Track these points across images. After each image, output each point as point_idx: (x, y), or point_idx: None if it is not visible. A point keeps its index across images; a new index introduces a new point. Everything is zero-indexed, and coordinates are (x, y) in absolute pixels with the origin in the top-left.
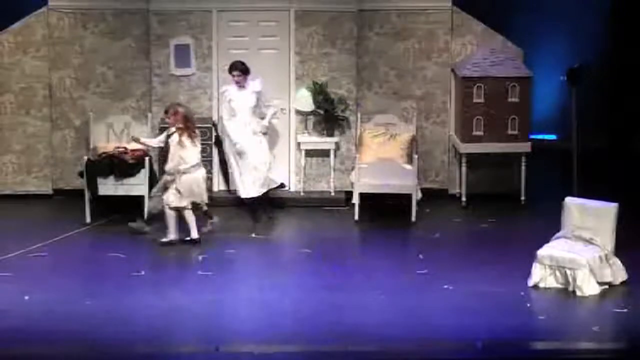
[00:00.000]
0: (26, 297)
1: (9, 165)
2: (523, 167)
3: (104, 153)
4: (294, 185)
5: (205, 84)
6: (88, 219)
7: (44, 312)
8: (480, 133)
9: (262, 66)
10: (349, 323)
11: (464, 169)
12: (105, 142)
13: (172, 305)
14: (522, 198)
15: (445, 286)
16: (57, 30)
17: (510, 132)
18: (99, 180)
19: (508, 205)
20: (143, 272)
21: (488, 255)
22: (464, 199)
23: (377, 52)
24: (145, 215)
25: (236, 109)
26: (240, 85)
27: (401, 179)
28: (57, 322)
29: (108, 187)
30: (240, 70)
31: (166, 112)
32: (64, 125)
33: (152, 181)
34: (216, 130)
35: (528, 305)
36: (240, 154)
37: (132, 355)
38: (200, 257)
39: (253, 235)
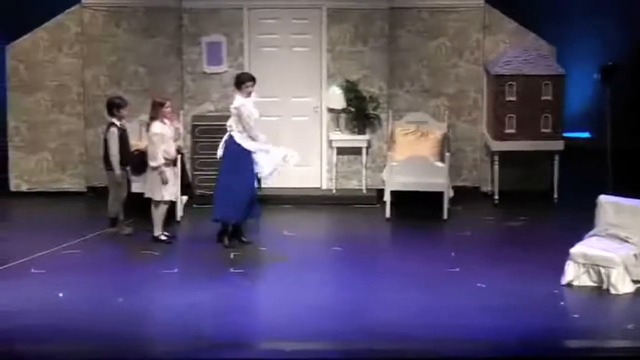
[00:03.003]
0: (60, 295)
1: (44, 163)
2: (556, 165)
3: (136, 151)
4: (326, 183)
5: None
6: (121, 217)
7: (77, 310)
8: (513, 131)
9: (294, 64)
10: (379, 321)
11: (496, 166)
12: (138, 139)
13: (205, 302)
14: (555, 196)
15: (478, 284)
16: (90, 27)
17: (543, 130)
18: (131, 178)
19: (540, 204)
20: (176, 270)
21: (520, 254)
22: (496, 197)
23: (408, 50)
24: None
25: (253, 123)
26: (248, 96)
27: (433, 177)
28: (89, 320)
29: (140, 184)
30: (254, 80)
31: (164, 104)
32: (97, 123)
33: (184, 179)
34: None
35: (561, 303)
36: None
37: (165, 353)
38: (232, 255)
39: (285, 232)
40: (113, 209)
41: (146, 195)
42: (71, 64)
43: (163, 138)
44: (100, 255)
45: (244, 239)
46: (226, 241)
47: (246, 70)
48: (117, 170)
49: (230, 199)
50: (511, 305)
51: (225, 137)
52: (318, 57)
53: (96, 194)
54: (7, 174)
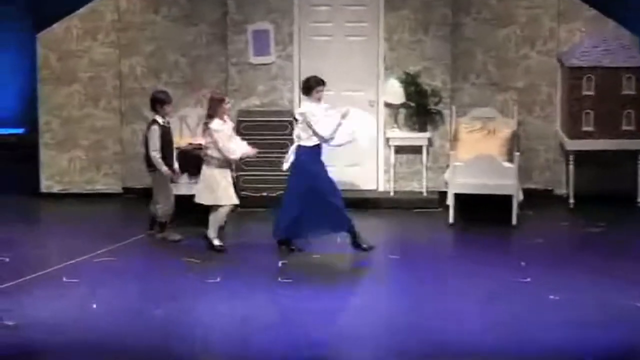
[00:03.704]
0: (94, 306)
1: (77, 162)
2: (639, 166)
3: (176, 149)
4: (383, 185)
5: (285, 73)
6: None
7: (112, 323)
8: (590, 128)
9: (348, 55)
10: (443, 336)
11: (571, 167)
12: (178, 137)
13: (250, 314)
14: (638, 200)
15: (551, 296)
16: (127, 14)
17: (624, 127)
18: (175, 179)
19: (621, 208)
20: (219, 279)
21: (598, 263)
22: (571, 200)
23: (474, 40)
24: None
25: None
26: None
27: (501, 178)
28: (124, 333)
29: (181, 186)
30: (324, 84)
31: (223, 100)
32: (134, 118)
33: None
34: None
35: None
36: None
37: None
38: (280, 263)
39: (338, 239)
40: (161, 213)
41: (201, 201)
42: (106, 54)
43: (224, 136)
44: (137, 262)
45: (364, 246)
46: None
47: (295, 61)
48: (163, 168)
49: (329, 210)
50: (588, 320)
51: (293, 148)
52: (375, 47)
53: (134, 196)
54: (37, 173)
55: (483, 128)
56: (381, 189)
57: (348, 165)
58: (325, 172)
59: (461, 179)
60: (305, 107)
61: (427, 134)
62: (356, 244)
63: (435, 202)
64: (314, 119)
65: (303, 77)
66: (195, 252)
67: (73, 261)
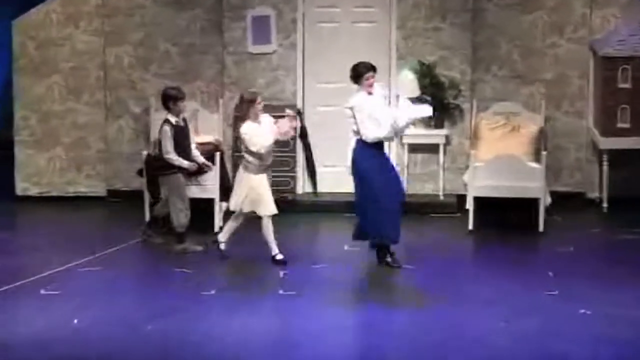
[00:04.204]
0: (75, 321)
1: (56, 162)
2: None
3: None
4: None
5: (288, 64)
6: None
7: (97, 339)
8: (626, 125)
9: (357, 43)
10: (465, 353)
11: (605, 168)
12: None
13: (249, 331)
14: None
15: (582, 310)
16: None
17: None
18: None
19: None
20: (213, 292)
21: (635, 274)
22: (604, 204)
23: (496, 27)
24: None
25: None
26: (371, 90)
27: (526, 180)
28: (110, 351)
29: (198, 189)
30: (375, 70)
31: (255, 100)
32: (121, 113)
33: (224, 182)
34: (301, 119)
35: None
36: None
37: None
38: (281, 274)
39: (346, 247)
40: (177, 222)
41: (237, 208)
42: (90, 42)
43: (254, 134)
44: (124, 273)
45: (394, 264)
46: (389, 258)
47: (299, 50)
48: (184, 163)
49: (376, 215)
50: (622, 337)
51: (353, 145)
52: (386, 34)
53: (119, 200)
54: (12, 174)
55: (506, 124)
56: None
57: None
58: (379, 169)
59: (482, 181)
60: (353, 101)
61: (444, 131)
62: (384, 258)
63: (453, 206)
64: (359, 115)
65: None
66: (188, 261)
67: (52, 271)
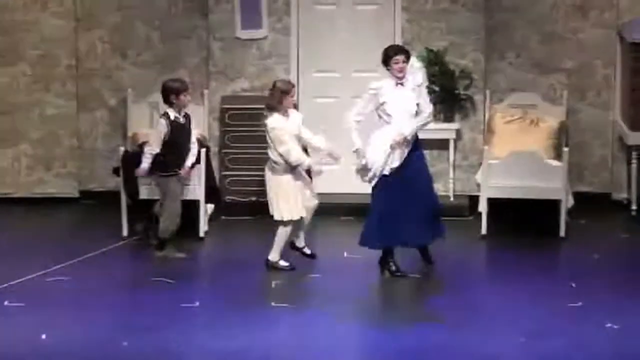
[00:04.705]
0: (43, 336)
1: (22, 160)
2: None
3: (146, 142)
4: None
5: (280, 50)
6: (125, 232)
7: (66, 356)
8: None
9: (358, 28)
10: None
11: (633, 166)
12: (148, 128)
13: (237, 347)
14: None
15: (608, 324)
16: None
17: None
18: (140, 180)
19: None
20: (197, 303)
21: None
22: (633, 207)
23: (513, 9)
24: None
25: (393, 115)
26: (401, 78)
27: (545, 180)
28: None
29: (151, 188)
30: (405, 54)
31: (289, 91)
32: (95, 105)
33: (210, 181)
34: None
35: None
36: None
37: None
38: (273, 284)
39: (345, 254)
40: (166, 227)
41: (278, 218)
42: (60, 27)
43: (283, 134)
44: (97, 283)
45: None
46: (392, 267)
47: (293, 35)
48: (144, 164)
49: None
50: None
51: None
52: (390, 18)
53: (93, 201)
54: None
55: (524, 118)
56: None
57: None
58: (407, 166)
59: (497, 181)
60: (376, 84)
61: (454, 125)
62: (385, 266)
63: (464, 209)
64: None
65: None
66: (168, 269)
67: (17, 281)
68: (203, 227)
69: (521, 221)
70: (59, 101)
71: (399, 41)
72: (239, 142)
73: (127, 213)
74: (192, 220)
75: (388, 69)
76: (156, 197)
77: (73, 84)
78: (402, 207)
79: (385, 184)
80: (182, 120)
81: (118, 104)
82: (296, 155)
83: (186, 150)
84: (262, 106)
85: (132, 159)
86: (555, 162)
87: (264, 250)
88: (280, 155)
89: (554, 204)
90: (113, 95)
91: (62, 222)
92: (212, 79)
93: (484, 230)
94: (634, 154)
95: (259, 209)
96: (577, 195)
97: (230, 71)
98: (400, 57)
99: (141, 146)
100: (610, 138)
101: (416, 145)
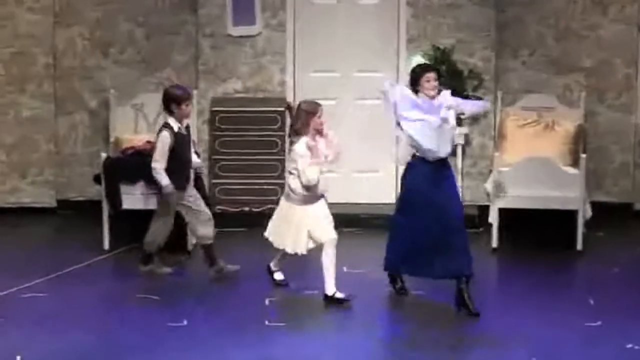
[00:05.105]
0: (18, 358)
1: None
2: None
3: (130, 148)
4: None
5: (275, 48)
6: (106, 245)
7: None
8: None
9: (359, 24)
10: None
11: None
12: (132, 132)
13: None
14: None
15: (629, 345)
16: None
17: None
18: (123, 189)
19: None
20: (185, 322)
21: None
22: None
23: (526, 4)
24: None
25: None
26: (433, 97)
27: (561, 189)
28: None
29: (136, 198)
30: (438, 73)
31: (316, 112)
32: (74, 107)
33: (201, 192)
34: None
35: None
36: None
37: None
38: (267, 301)
39: (345, 269)
40: (153, 240)
41: (290, 250)
42: (36, 22)
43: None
44: (77, 300)
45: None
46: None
47: (289, 31)
48: (164, 181)
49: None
50: None
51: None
52: (394, 13)
53: (72, 212)
54: None
55: (538, 121)
56: None
57: (358, 171)
58: (439, 189)
59: (508, 190)
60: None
61: (463, 130)
62: (462, 301)
63: (474, 219)
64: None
65: (298, 52)
66: (154, 286)
67: None
68: (191, 239)
69: (535, 233)
70: (35, 103)
71: (403, 38)
72: (230, 147)
73: (109, 224)
74: (181, 233)
75: (417, 89)
76: (139, 207)
77: (50, 85)
78: (431, 238)
79: (413, 206)
80: (184, 131)
81: (99, 105)
82: (310, 174)
83: (186, 165)
84: (257, 109)
85: (115, 165)
86: (571, 170)
87: (256, 265)
88: (304, 186)
89: (570, 215)
90: (94, 96)
91: (39, 234)
92: (202, 79)
93: (494, 243)
94: None
95: (252, 221)
96: (596, 205)
97: (221, 71)
98: (432, 75)
99: (124, 152)
100: (632, 143)
101: (448, 164)
